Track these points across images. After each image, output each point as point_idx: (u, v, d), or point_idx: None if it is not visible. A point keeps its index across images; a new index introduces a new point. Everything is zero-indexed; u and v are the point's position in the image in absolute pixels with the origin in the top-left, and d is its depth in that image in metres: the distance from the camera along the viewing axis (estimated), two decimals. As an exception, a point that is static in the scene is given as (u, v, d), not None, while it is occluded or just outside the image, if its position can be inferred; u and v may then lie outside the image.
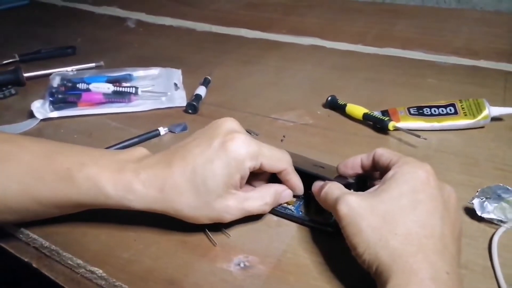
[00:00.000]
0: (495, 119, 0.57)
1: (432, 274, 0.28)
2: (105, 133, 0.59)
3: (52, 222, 0.42)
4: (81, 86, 0.66)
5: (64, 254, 0.39)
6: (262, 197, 0.40)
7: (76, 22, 1.12)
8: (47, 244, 0.40)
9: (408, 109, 0.58)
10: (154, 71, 0.74)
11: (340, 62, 0.80)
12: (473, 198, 0.41)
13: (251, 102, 0.66)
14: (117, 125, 0.62)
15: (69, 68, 0.78)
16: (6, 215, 0.39)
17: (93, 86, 0.66)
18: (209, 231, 0.41)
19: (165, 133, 0.59)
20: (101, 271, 0.37)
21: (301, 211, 0.43)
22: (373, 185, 0.36)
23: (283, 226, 0.42)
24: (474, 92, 0.64)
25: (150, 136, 0.57)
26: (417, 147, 0.54)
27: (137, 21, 1.08)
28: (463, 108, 0.57)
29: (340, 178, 0.42)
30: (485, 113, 0.55)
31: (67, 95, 0.65)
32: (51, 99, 0.64)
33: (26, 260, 0.40)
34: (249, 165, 0.38)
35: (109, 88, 0.66)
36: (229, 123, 0.40)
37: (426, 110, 0.57)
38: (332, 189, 0.37)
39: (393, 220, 0.32)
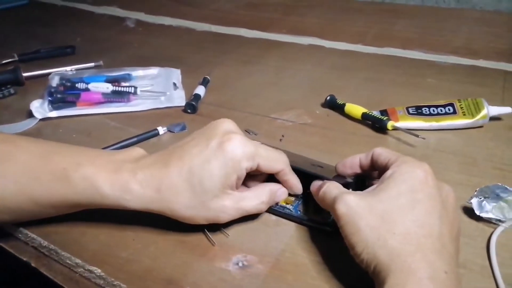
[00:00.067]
0: (493, 118, 0.57)
1: (430, 274, 0.28)
2: (104, 133, 0.59)
3: (51, 222, 0.42)
4: (80, 85, 0.66)
5: (63, 253, 0.39)
6: (258, 196, 0.40)
7: (75, 21, 1.12)
8: (45, 243, 0.40)
9: (407, 108, 0.58)
10: (153, 70, 0.74)
11: (339, 62, 0.80)
12: (471, 198, 0.41)
13: (250, 102, 0.66)
14: (116, 125, 0.62)
15: (68, 68, 0.78)
16: (3, 215, 0.39)
17: (92, 86, 0.66)
18: (208, 231, 0.41)
19: (164, 133, 0.59)
20: (99, 270, 0.37)
21: (299, 211, 0.43)
22: (371, 185, 0.36)
23: (282, 226, 0.42)
24: (473, 91, 0.64)
25: (149, 135, 0.58)
26: (416, 146, 0.54)
27: (136, 20, 1.08)
28: (461, 107, 0.57)
29: (339, 177, 0.42)
30: (483, 112, 0.55)
31: (66, 94, 0.65)
32: (50, 98, 0.64)
33: (24, 259, 0.40)
34: (246, 165, 0.38)
35: (108, 87, 0.66)
36: (227, 124, 0.40)
37: (425, 109, 0.57)
38: (331, 189, 0.37)
39: (392, 219, 0.32)
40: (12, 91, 0.72)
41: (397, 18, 1.00)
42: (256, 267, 0.37)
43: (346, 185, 0.39)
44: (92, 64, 0.81)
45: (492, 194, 0.41)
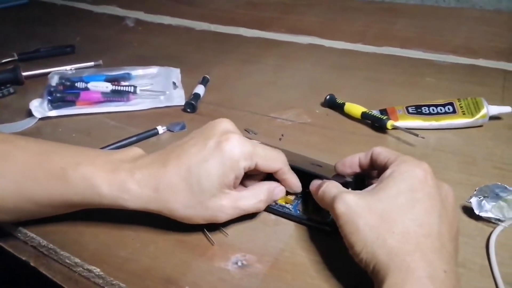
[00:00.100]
0: (493, 118, 0.57)
1: (429, 273, 0.28)
2: (103, 132, 0.59)
3: (50, 221, 0.42)
4: (80, 85, 0.66)
5: (62, 252, 0.39)
6: (256, 195, 0.40)
7: (75, 21, 1.12)
8: (44, 243, 0.40)
9: (407, 108, 0.58)
10: (153, 70, 0.74)
11: (339, 61, 0.79)
12: (471, 197, 0.41)
13: (250, 101, 0.66)
14: (116, 124, 0.62)
15: (67, 67, 0.78)
16: (2, 215, 0.39)
17: (91, 85, 0.66)
18: (207, 230, 0.41)
19: (164, 132, 0.58)
20: (98, 270, 0.37)
21: (298, 210, 0.43)
22: (371, 184, 0.36)
23: (281, 225, 0.42)
24: (472, 91, 0.64)
25: (149, 135, 0.57)
26: (415, 146, 0.54)
27: (136, 20, 1.08)
28: (461, 107, 0.57)
29: (338, 176, 0.42)
30: (483, 112, 0.55)
31: (65, 94, 0.65)
32: (49, 98, 0.64)
33: (24, 258, 0.40)
34: (244, 165, 0.38)
35: (107, 87, 0.66)
36: (225, 124, 0.40)
37: (425, 109, 0.57)
38: (330, 188, 0.37)
39: (391, 218, 0.32)
40: (11, 90, 0.72)
41: (396, 17, 1.00)
42: (255, 267, 0.37)
43: (346, 184, 0.39)
44: (91, 63, 0.81)
45: (491, 193, 0.41)
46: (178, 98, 0.66)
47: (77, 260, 0.38)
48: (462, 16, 1.00)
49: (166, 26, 1.04)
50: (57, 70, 0.74)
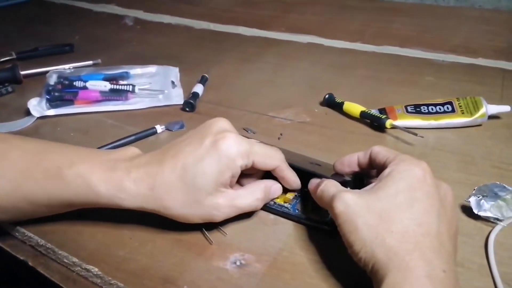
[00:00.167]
0: (492, 117, 0.57)
1: (428, 272, 0.28)
2: (102, 131, 0.59)
3: (48, 221, 0.42)
4: (78, 84, 0.66)
5: (60, 252, 0.39)
6: (252, 193, 0.40)
7: (74, 19, 1.11)
8: (42, 242, 0.40)
9: (406, 107, 0.58)
10: (151, 69, 0.74)
11: (338, 60, 0.79)
12: (469, 196, 0.41)
13: (249, 100, 0.66)
14: (114, 123, 0.61)
15: (66, 66, 0.77)
16: None
17: (90, 84, 0.66)
18: (205, 229, 0.41)
19: (162, 131, 0.58)
20: (96, 269, 0.37)
21: (297, 209, 0.43)
22: (369, 183, 0.36)
23: (280, 224, 0.42)
24: (471, 90, 0.64)
25: (147, 134, 0.57)
26: (414, 145, 0.54)
27: (135, 18, 1.07)
28: (460, 106, 0.56)
29: (337, 175, 0.42)
30: (482, 111, 0.55)
31: (63, 93, 0.65)
32: (47, 97, 0.64)
33: (22, 258, 0.40)
34: (241, 163, 0.38)
35: (106, 86, 0.66)
36: (221, 123, 0.40)
37: (424, 108, 0.57)
38: (328, 187, 0.37)
39: (390, 218, 0.32)
40: (10, 89, 0.72)
41: (395, 16, 1.00)
42: (254, 266, 0.37)
43: (344, 184, 0.39)
44: (90, 62, 0.80)
45: (490, 192, 0.41)
46: (177, 97, 0.66)
47: (75, 259, 0.38)
48: (461, 15, 1.00)
49: (165, 25, 1.03)
50: (56, 69, 0.74)
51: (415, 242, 0.30)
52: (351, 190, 0.35)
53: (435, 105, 0.57)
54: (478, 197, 0.41)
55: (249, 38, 0.93)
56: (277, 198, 0.43)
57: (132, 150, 0.41)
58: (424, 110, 0.57)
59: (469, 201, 0.41)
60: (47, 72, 0.71)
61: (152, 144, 0.56)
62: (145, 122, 0.60)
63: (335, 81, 0.71)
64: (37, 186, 0.37)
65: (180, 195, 0.37)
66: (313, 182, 0.41)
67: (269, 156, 0.40)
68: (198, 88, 0.67)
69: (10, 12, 1.20)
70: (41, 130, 0.61)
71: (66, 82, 0.67)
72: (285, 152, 0.43)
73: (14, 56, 0.85)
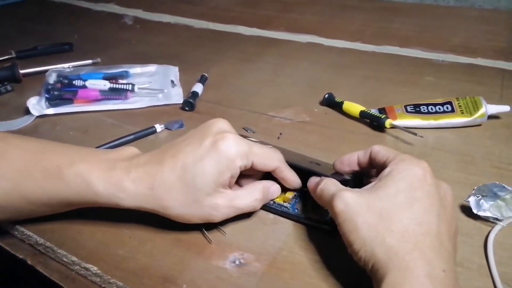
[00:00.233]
0: (492, 117, 0.57)
1: (428, 272, 0.28)
2: (101, 130, 0.59)
3: (47, 220, 0.42)
4: (78, 83, 0.66)
5: (59, 251, 0.39)
6: (251, 193, 0.40)
7: (73, 18, 1.11)
8: (42, 241, 0.40)
9: (405, 107, 0.58)
10: (151, 68, 0.74)
11: (337, 60, 0.79)
12: (469, 196, 0.41)
13: (248, 100, 0.66)
14: (113, 122, 0.61)
15: (65, 65, 0.77)
16: None
17: (89, 83, 0.66)
18: (205, 229, 0.41)
19: (162, 130, 0.58)
20: (95, 268, 0.37)
21: (297, 209, 0.43)
22: (369, 183, 0.36)
23: (279, 224, 0.42)
24: (471, 90, 0.64)
25: (147, 133, 0.57)
26: (414, 145, 0.54)
27: (134, 18, 1.07)
28: (460, 106, 0.56)
29: (336, 175, 0.42)
30: (482, 111, 0.55)
31: (63, 92, 0.65)
32: (47, 95, 0.64)
33: (21, 257, 0.40)
34: (240, 164, 0.38)
35: (105, 85, 0.66)
36: (220, 124, 0.40)
37: (423, 108, 0.57)
38: (328, 185, 0.37)
39: (389, 217, 0.32)
40: (9, 88, 0.71)
41: (395, 16, 1.00)
42: (253, 265, 0.37)
43: (344, 183, 0.38)
44: (89, 61, 0.80)
45: (489, 192, 0.41)
46: (176, 96, 0.66)
47: (74, 258, 0.38)
48: (461, 15, 1.00)
49: (164, 24, 1.03)
50: (55, 68, 0.74)
51: (415, 242, 0.30)
52: (351, 189, 0.35)
53: (435, 105, 0.57)
54: (478, 197, 0.41)
55: (249, 37, 0.93)
56: (277, 197, 0.43)
57: (131, 149, 0.41)
58: (424, 110, 0.57)
59: (468, 201, 0.41)
60: (46, 71, 0.71)
61: (151, 143, 0.56)
62: (145, 121, 0.60)
63: (334, 80, 0.71)
64: (36, 186, 0.37)
65: (180, 195, 0.37)
66: (313, 180, 0.41)
67: (269, 157, 0.40)
68: (198, 88, 0.67)
69: (9, 10, 1.20)
70: (41, 129, 0.61)
71: (66, 81, 0.67)
72: (285, 152, 0.43)
73: (14, 55, 0.84)
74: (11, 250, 0.41)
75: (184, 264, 0.38)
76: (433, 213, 0.32)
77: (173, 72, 0.72)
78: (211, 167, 0.37)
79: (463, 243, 0.38)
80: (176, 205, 0.37)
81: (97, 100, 0.65)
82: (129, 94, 0.66)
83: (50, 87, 0.65)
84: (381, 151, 0.38)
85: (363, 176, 0.42)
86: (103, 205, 0.38)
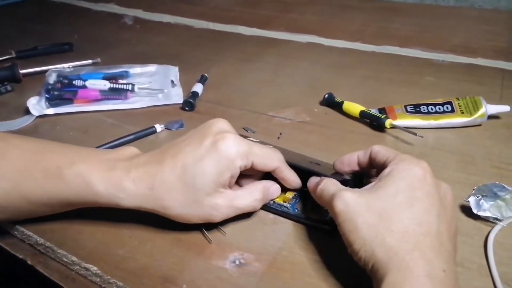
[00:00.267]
0: (492, 117, 0.57)
1: (428, 272, 0.28)
2: (101, 130, 0.59)
3: (47, 219, 0.42)
4: (78, 83, 0.66)
5: (59, 251, 0.39)
6: (251, 193, 0.40)
7: (73, 18, 1.11)
8: (42, 241, 0.40)
9: (405, 107, 0.58)
10: (151, 68, 0.74)
11: (337, 60, 0.79)
12: (469, 196, 0.41)
13: (248, 100, 0.66)
14: (113, 122, 0.61)
15: (65, 65, 0.77)
16: None
17: (89, 83, 0.66)
18: (205, 229, 0.41)
19: (162, 130, 0.58)
20: (95, 268, 0.37)
21: (297, 209, 0.43)
22: (369, 183, 0.36)
23: (279, 224, 0.42)
24: (471, 90, 0.64)
25: (147, 133, 0.57)
26: (414, 145, 0.54)
27: (134, 18, 1.07)
28: (460, 106, 0.56)
29: (336, 175, 0.42)
30: (482, 111, 0.55)
31: (63, 91, 0.65)
32: (47, 95, 0.64)
33: (21, 257, 0.40)
34: (240, 164, 0.38)
35: (105, 85, 0.66)
36: (220, 124, 0.40)
37: (423, 108, 0.57)
38: (328, 185, 0.37)
39: (390, 217, 0.32)
40: (9, 88, 0.71)
41: (395, 16, 1.00)
42: (253, 265, 0.37)
43: (344, 183, 0.38)
44: (89, 61, 0.80)
45: (489, 192, 0.41)
46: (176, 96, 0.66)
47: (74, 258, 0.38)
48: (461, 15, 1.00)
49: (164, 24, 1.03)
50: (55, 68, 0.74)
51: (415, 242, 0.30)
52: (351, 189, 0.35)
53: (435, 105, 0.57)
54: (478, 197, 0.41)
55: (249, 37, 0.93)
56: (277, 197, 0.43)
57: (131, 149, 0.41)
58: (424, 110, 0.57)
59: (468, 201, 0.41)
60: (46, 71, 0.71)
61: (151, 143, 0.56)
62: (145, 121, 0.60)
63: (334, 80, 0.71)
64: (36, 186, 0.37)
65: (179, 195, 0.37)
66: (313, 180, 0.41)
67: (269, 157, 0.40)
68: (198, 88, 0.67)
69: (9, 10, 1.20)
70: (41, 129, 0.61)
71: (66, 81, 0.67)
72: (285, 152, 0.43)
73: (14, 55, 0.84)
74: (11, 250, 0.41)
75: (184, 264, 0.38)
76: (433, 213, 0.32)
77: (173, 72, 0.72)
78: (211, 167, 0.37)
79: (463, 243, 0.38)
80: (176, 205, 0.37)
81: (97, 100, 0.65)
82: (129, 94, 0.66)
83: (50, 87, 0.65)
84: (381, 151, 0.38)
85: (363, 176, 0.42)
86: (103, 205, 0.38)
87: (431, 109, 0.57)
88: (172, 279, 0.36)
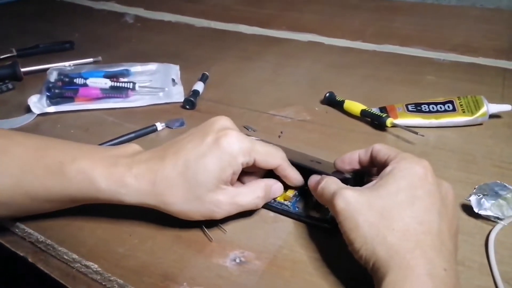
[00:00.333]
0: (493, 116, 0.57)
1: (429, 270, 0.28)
2: (102, 128, 0.59)
3: (48, 217, 0.42)
4: (78, 81, 0.66)
5: (60, 248, 0.39)
6: (253, 191, 0.40)
7: (74, 17, 1.11)
8: (42, 238, 0.40)
9: (406, 105, 0.58)
10: (152, 66, 0.74)
11: (338, 59, 0.79)
12: (470, 195, 0.41)
13: (249, 98, 0.66)
14: (114, 120, 0.61)
15: (66, 63, 0.77)
16: None
17: (90, 81, 0.66)
18: (205, 226, 0.40)
19: (162, 129, 0.58)
20: (96, 265, 0.37)
21: (297, 207, 0.43)
22: (370, 181, 0.36)
23: (280, 222, 0.42)
24: (472, 89, 0.64)
25: (147, 131, 0.57)
26: (415, 144, 0.54)
27: (135, 16, 1.07)
28: (461, 105, 0.56)
29: (337, 173, 0.42)
30: (483, 110, 0.55)
31: (64, 90, 0.65)
32: (48, 94, 0.64)
33: (21, 254, 0.40)
34: (242, 160, 0.38)
35: (106, 83, 0.66)
36: (223, 121, 0.40)
37: (424, 107, 0.57)
38: (329, 184, 0.37)
39: (391, 215, 0.31)
40: (10, 86, 0.71)
41: (396, 15, 1.00)
42: (254, 263, 0.37)
43: (345, 181, 0.38)
44: (90, 60, 0.80)
45: (491, 191, 0.40)
46: (177, 94, 0.66)
47: (75, 256, 0.38)
48: (462, 14, 1.00)
49: (165, 22, 1.03)
50: (56, 66, 0.74)
51: (416, 240, 0.30)
52: (352, 187, 0.35)
53: (436, 104, 0.57)
54: (479, 196, 0.41)
55: (250, 36, 0.93)
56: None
57: (133, 146, 0.42)
58: (425, 109, 0.57)
59: (469, 200, 0.41)
60: (47, 69, 0.71)
61: (152, 142, 0.56)
62: (145, 120, 0.60)
63: (335, 79, 0.71)
64: (39, 182, 0.37)
65: (181, 191, 0.37)
66: (313, 179, 0.41)
67: (271, 155, 0.40)
68: (199, 86, 0.67)
69: (10, 9, 1.20)
70: (42, 127, 0.61)
71: (67, 79, 0.67)
72: (286, 150, 0.43)
73: (15, 53, 0.84)
74: (12, 247, 0.40)
75: (184, 261, 0.38)
76: (434, 212, 0.32)
77: (174, 70, 0.72)
78: (213, 164, 0.37)
79: (464, 242, 0.38)
80: (177, 201, 0.37)
81: (98, 99, 0.65)
82: (130, 92, 0.66)
83: (51, 85, 0.65)
84: (382, 149, 0.38)
85: (364, 174, 0.42)
86: (105, 201, 0.38)
87: (432, 108, 0.57)
88: (172, 276, 0.36)
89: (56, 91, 0.64)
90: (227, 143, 0.37)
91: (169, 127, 0.59)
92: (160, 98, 0.66)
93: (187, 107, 0.64)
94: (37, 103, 0.63)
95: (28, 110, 0.62)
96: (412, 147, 0.53)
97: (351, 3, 1.09)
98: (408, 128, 0.54)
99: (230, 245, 0.39)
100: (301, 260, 0.38)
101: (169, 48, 0.87)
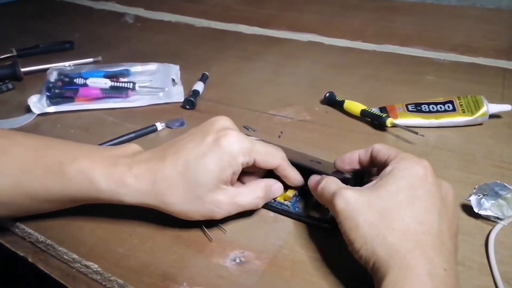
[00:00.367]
0: (493, 116, 0.57)
1: (429, 270, 0.28)
2: (102, 128, 0.59)
3: (48, 217, 0.42)
4: (78, 81, 0.66)
5: (60, 248, 0.39)
6: (253, 191, 0.40)
7: (74, 17, 1.11)
8: (42, 238, 0.40)
9: (406, 105, 0.58)
10: (152, 66, 0.74)
11: (338, 59, 0.79)
12: (470, 195, 0.41)
13: (249, 98, 0.66)
14: (114, 120, 0.61)
15: (66, 63, 0.77)
16: None
17: (90, 81, 0.66)
18: (205, 226, 0.41)
19: (162, 129, 0.58)
20: (96, 265, 0.37)
21: (297, 207, 0.43)
22: (370, 181, 0.36)
23: (280, 222, 0.42)
24: (472, 89, 0.64)
25: (147, 131, 0.57)
26: (415, 144, 0.54)
27: (135, 16, 1.07)
28: (461, 105, 0.56)
29: (337, 173, 0.42)
30: (483, 110, 0.55)
31: (64, 90, 0.65)
32: (48, 94, 0.64)
33: (21, 254, 0.40)
34: (242, 160, 0.38)
35: (106, 83, 0.66)
36: (223, 121, 0.40)
37: (424, 107, 0.57)
38: (329, 184, 0.37)
39: (391, 215, 0.31)
40: (10, 86, 0.71)
41: (396, 15, 1.00)
42: (254, 263, 0.37)
43: (345, 181, 0.38)
44: (90, 60, 0.80)
45: (491, 191, 0.40)
46: (177, 94, 0.66)
47: (75, 256, 0.38)
48: (462, 14, 1.00)
49: (165, 22, 1.03)
50: (56, 66, 0.74)
51: (416, 240, 0.30)
52: (352, 187, 0.35)
53: (436, 103, 0.57)
54: (479, 196, 0.41)
55: (250, 36, 0.93)
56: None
57: (133, 146, 0.42)
58: (425, 109, 0.57)
59: (469, 200, 0.41)
60: (47, 69, 0.71)
61: (152, 142, 0.56)
62: (145, 120, 0.60)
63: (335, 79, 0.71)
64: (39, 182, 0.37)
65: (181, 191, 0.37)
66: (313, 179, 0.41)
67: (271, 155, 0.40)
68: (199, 86, 0.67)
69: (10, 9, 1.20)
70: (41, 127, 0.61)
71: (67, 79, 0.67)
72: (286, 150, 0.43)
73: (15, 53, 0.84)
74: (12, 247, 0.41)
75: (184, 261, 0.38)
76: (434, 212, 0.32)
77: (174, 70, 0.72)
78: (213, 164, 0.37)
79: (464, 242, 0.38)
80: (177, 201, 0.37)
81: (98, 99, 0.65)
82: (130, 92, 0.66)
83: (51, 85, 0.65)
84: (382, 149, 0.38)
85: (364, 174, 0.42)
86: (105, 201, 0.38)
87: (432, 108, 0.57)
88: (172, 276, 0.36)
89: (56, 91, 0.64)
90: (227, 143, 0.37)
91: (169, 127, 0.59)
92: (160, 98, 0.66)
93: (187, 107, 0.64)
94: (37, 103, 0.63)
95: (28, 110, 0.62)
96: (412, 147, 0.53)
97: (351, 3, 1.09)
98: (408, 128, 0.54)
99: (230, 245, 0.39)
100: (301, 260, 0.38)
101: (169, 48, 0.87)
